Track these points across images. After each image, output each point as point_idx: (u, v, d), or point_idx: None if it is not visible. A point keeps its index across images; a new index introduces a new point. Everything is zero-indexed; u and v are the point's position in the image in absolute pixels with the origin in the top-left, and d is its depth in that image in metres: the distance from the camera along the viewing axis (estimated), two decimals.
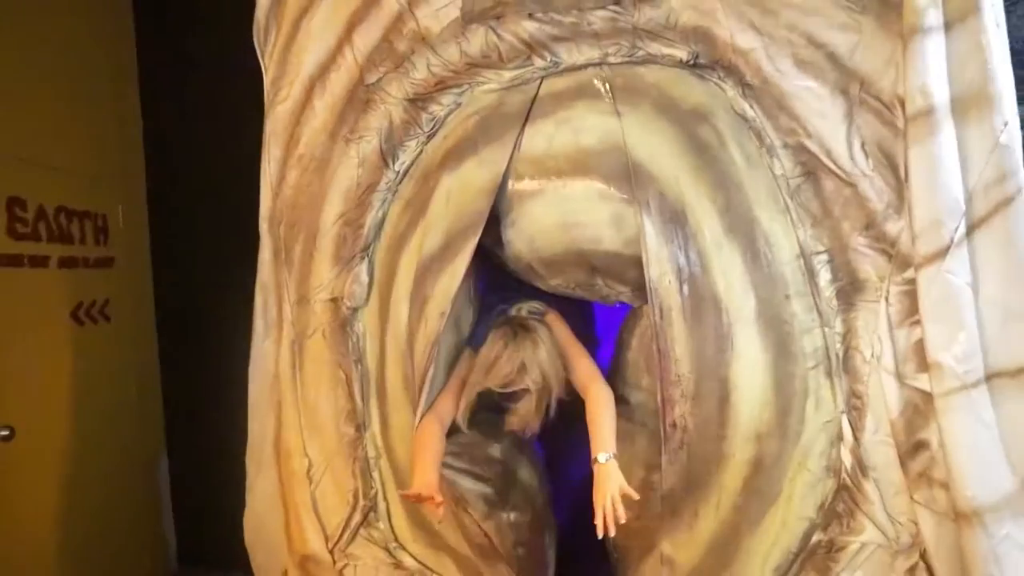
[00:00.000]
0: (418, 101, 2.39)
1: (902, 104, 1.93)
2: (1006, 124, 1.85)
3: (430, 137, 2.41)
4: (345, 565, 2.54)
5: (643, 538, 2.25)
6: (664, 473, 2.13)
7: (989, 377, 1.95)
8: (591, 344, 3.63)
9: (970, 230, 1.92)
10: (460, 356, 2.37)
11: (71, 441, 3.11)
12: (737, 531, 2.13)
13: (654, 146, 2.15)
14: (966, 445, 1.95)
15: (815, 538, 2.15)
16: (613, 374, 2.44)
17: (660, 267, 2.11)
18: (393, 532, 2.54)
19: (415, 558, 2.52)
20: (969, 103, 1.86)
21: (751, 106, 2.08)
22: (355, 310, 2.52)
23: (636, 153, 2.14)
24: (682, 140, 2.14)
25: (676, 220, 2.11)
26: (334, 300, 2.56)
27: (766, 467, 2.10)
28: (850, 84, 1.98)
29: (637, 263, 2.16)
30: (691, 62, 2.16)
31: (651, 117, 2.18)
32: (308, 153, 2.54)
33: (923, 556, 2.08)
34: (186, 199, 3.67)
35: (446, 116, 2.39)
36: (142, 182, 3.68)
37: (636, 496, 1.96)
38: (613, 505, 1.91)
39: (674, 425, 2.13)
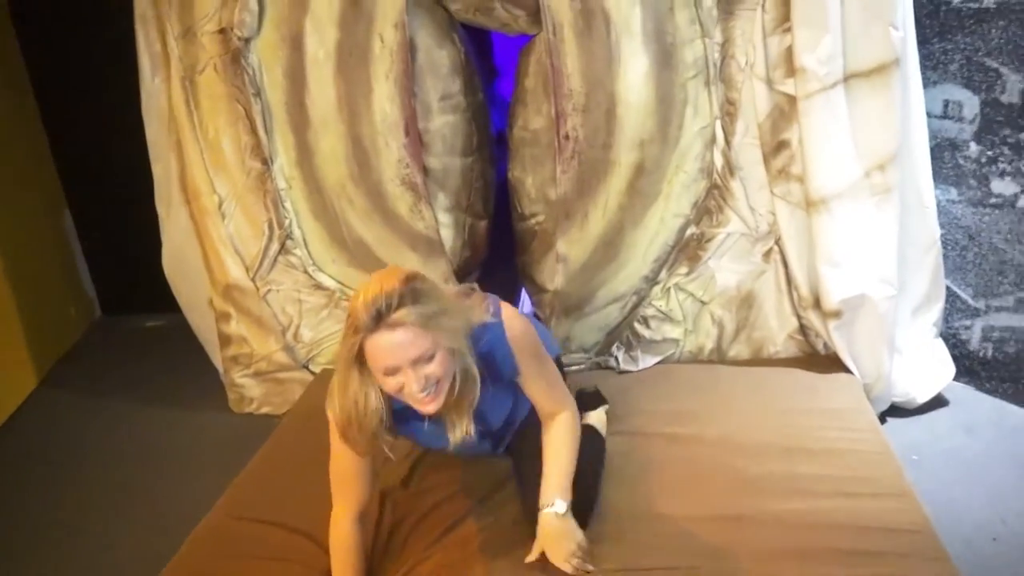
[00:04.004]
0: None
1: None
2: None
3: None
4: (268, 291, 2.72)
5: (544, 240, 2.50)
6: (558, 181, 2.34)
7: (847, 78, 2.16)
8: (491, 74, 3.67)
9: None
10: None
11: None
12: (622, 229, 2.40)
13: None
14: (822, 141, 2.20)
15: (688, 231, 2.45)
16: (515, 103, 2.54)
17: None
18: (311, 256, 2.71)
19: (333, 278, 2.72)
20: None
21: None
22: (247, 41, 2.46)
23: None
24: None
25: None
26: (222, 31, 2.48)
27: (648, 170, 2.33)
28: None
29: None
30: None
31: None
32: None
33: (777, 241, 2.42)
34: None
35: None
36: None
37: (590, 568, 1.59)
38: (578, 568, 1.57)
39: (567, 137, 2.30)
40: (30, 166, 3.45)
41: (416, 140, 2.44)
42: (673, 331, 2.55)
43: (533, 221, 2.53)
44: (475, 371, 1.52)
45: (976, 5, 2.29)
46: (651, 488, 1.88)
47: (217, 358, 2.91)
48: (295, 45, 2.42)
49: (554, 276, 2.49)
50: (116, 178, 3.44)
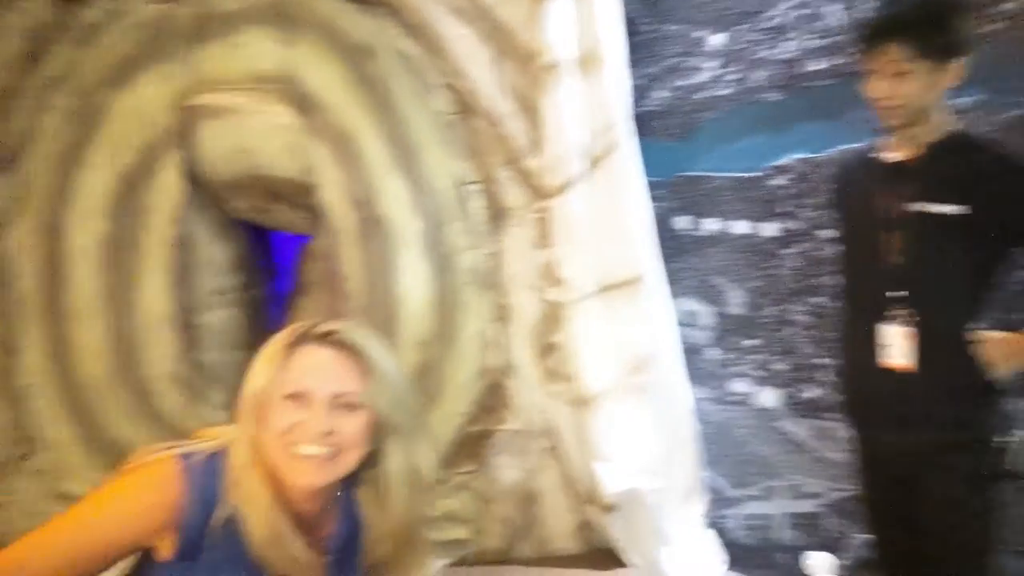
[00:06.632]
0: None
1: (537, 56, 2.25)
2: (614, 82, 2.26)
3: (82, 44, 2.31)
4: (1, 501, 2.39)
5: None
6: None
7: (603, 289, 2.40)
8: (271, 271, 3.71)
9: (590, 167, 2.33)
10: None
11: None
12: None
13: (325, 77, 2.30)
14: (585, 345, 2.39)
15: (469, 429, 2.50)
16: (295, 295, 2.56)
17: (333, 192, 2.29)
18: (61, 461, 2.44)
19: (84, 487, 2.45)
20: (587, 61, 2.24)
21: (413, 45, 2.30)
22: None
23: (309, 83, 2.28)
24: (351, 72, 2.31)
25: (348, 149, 2.29)
26: None
27: (428, 370, 2.39)
28: (496, 34, 2.27)
29: (312, 189, 2.33)
30: None
31: (322, 48, 2.32)
32: None
33: (554, 438, 2.52)
34: None
35: (101, 23, 2.31)
36: None
37: None
38: None
39: None
40: None
41: (187, 335, 2.36)
42: (459, 531, 2.51)
43: None
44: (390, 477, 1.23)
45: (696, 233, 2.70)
46: None
47: None
48: (55, 234, 2.35)
49: None
50: None
